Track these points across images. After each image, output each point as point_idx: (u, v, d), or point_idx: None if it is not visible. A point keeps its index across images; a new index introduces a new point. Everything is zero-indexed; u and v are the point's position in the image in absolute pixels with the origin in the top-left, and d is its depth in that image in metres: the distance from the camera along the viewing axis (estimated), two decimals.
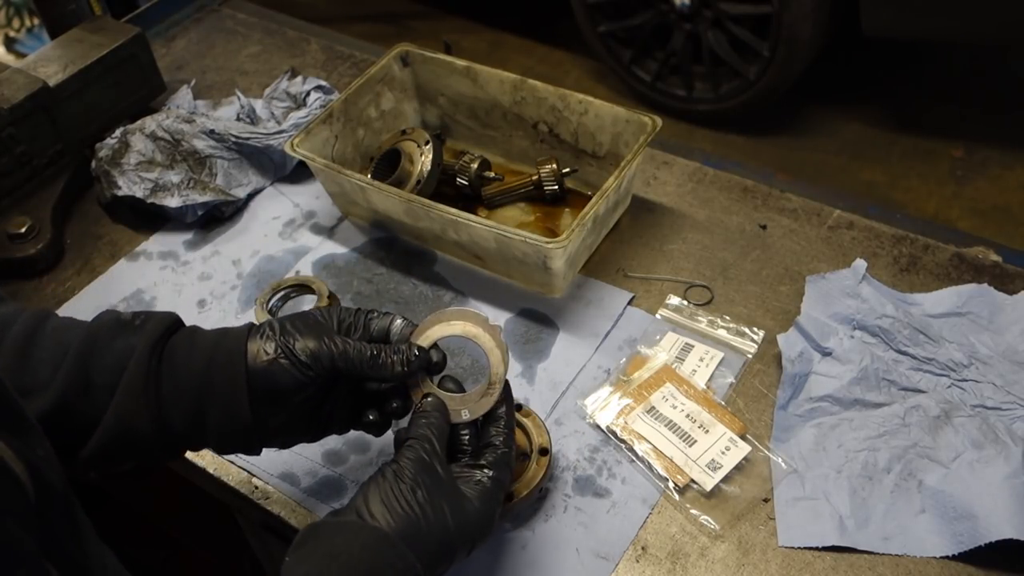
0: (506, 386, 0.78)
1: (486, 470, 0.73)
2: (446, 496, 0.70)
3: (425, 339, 0.78)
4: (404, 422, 0.78)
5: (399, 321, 0.79)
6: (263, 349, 0.73)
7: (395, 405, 0.79)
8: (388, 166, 1.17)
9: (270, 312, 1.08)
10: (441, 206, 1.02)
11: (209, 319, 1.09)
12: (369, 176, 1.16)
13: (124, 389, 0.69)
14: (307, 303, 1.09)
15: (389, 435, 0.95)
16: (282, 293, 1.09)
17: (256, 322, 1.06)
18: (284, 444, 0.79)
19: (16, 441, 0.51)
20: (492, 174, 1.20)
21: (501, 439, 0.76)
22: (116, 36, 1.30)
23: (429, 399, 0.77)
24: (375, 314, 0.79)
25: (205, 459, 0.95)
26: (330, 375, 0.74)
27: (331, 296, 1.08)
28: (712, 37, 2.74)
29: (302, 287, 1.10)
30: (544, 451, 0.87)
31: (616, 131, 1.12)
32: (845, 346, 0.96)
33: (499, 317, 1.06)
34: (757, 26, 2.65)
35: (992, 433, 0.88)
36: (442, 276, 1.12)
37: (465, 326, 0.79)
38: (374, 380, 0.78)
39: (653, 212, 1.17)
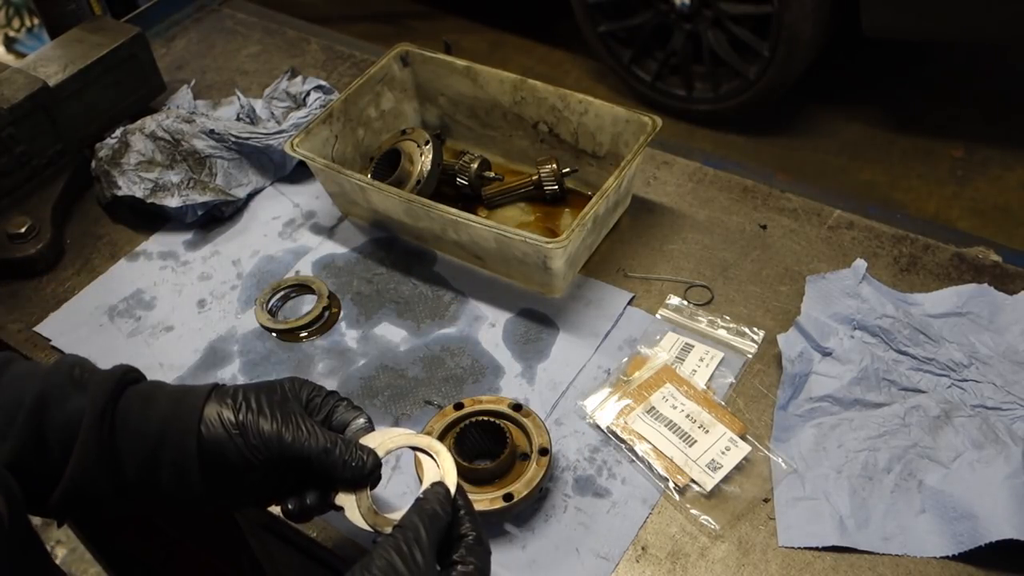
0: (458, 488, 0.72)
1: (461, 566, 0.66)
2: None
3: (378, 448, 0.75)
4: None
5: (361, 420, 0.76)
6: (220, 419, 0.71)
7: (308, 501, 0.74)
8: (388, 166, 1.17)
9: (270, 312, 1.08)
10: (441, 206, 1.02)
11: (209, 319, 1.09)
12: (369, 176, 1.16)
13: (78, 455, 0.69)
14: (307, 303, 1.09)
15: None
16: (282, 293, 1.09)
17: (257, 322, 1.07)
18: (233, 507, 0.79)
19: None
20: (492, 174, 1.20)
21: (468, 526, 0.69)
22: (116, 36, 1.30)
23: (434, 487, 0.70)
24: (342, 404, 0.77)
25: None
26: (280, 459, 0.72)
27: (331, 296, 1.09)
28: (712, 37, 2.74)
29: (302, 287, 1.10)
30: (544, 451, 0.87)
31: (616, 131, 1.12)
32: (845, 346, 0.96)
33: (499, 317, 1.06)
34: (757, 26, 2.66)
35: (992, 433, 0.88)
36: (442, 276, 1.12)
37: (412, 437, 0.77)
38: (321, 474, 0.73)
39: (653, 212, 1.17)
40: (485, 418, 0.88)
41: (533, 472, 0.85)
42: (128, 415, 0.71)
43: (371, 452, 0.73)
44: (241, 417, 0.71)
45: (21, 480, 0.65)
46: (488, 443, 0.88)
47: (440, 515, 0.68)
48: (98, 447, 0.69)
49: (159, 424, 0.71)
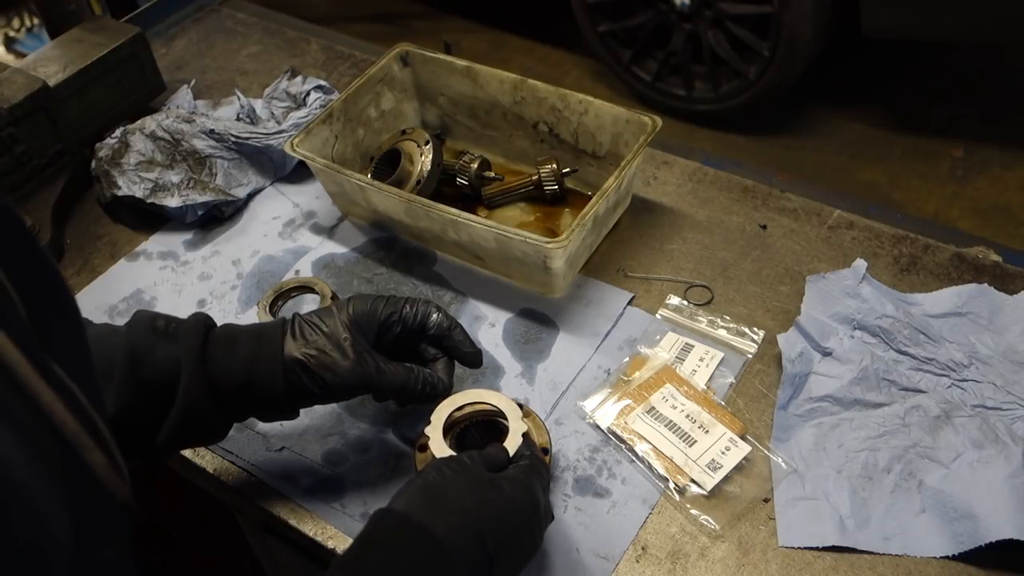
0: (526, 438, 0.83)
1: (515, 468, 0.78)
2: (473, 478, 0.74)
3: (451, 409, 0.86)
4: None
5: (435, 315, 0.86)
6: (298, 368, 0.80)
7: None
8: (388, 166, 1.17)
9: (272, 316, 1.07)
10: (441, 206, 1.02)
11: None
12: (369, 176, 1.16)
13: (185, 391, 0.76)
14: (309, 303, 1.09)
15: (391, 435, 0.95)
16: (284, 294, 1.09)
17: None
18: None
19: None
20: (492, 174, 1.20)
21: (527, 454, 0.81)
22: (116, 36, 1.30)
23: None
24: (412, 310, 0.86)
25: (205, 459, 0.95)
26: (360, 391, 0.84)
27: (334, 297, 1.08)
28: (712, 37, 2.74)
29: (304, 288, 1.10)
30: (544, 451, 0.87)
31: (616, 131, 1.12)
32: (845, 346, 0.96)
33: (499, 317, 1.06)
34: (757, 26, 2.65)
35: (992, 433, 0.88)
36: (442, 276, 1.12)
37: (492, 397, 0.87)
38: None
39: (653, 212, 1.17)
40: (485, 415, 0.88)
41: None
42: (216, 354, 0.78)
43: (440, 379, 0.86)
44: (317, 361, 0.80)
45: (123, 430, 0.71)
46: (488, 442, 0.88)
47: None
48: (201, 382, 0.76)
49: (245, 365, 0.79)
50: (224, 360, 0.78)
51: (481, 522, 0.70)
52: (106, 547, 0.46)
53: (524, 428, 0.83)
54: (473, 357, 0.88)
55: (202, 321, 0.80)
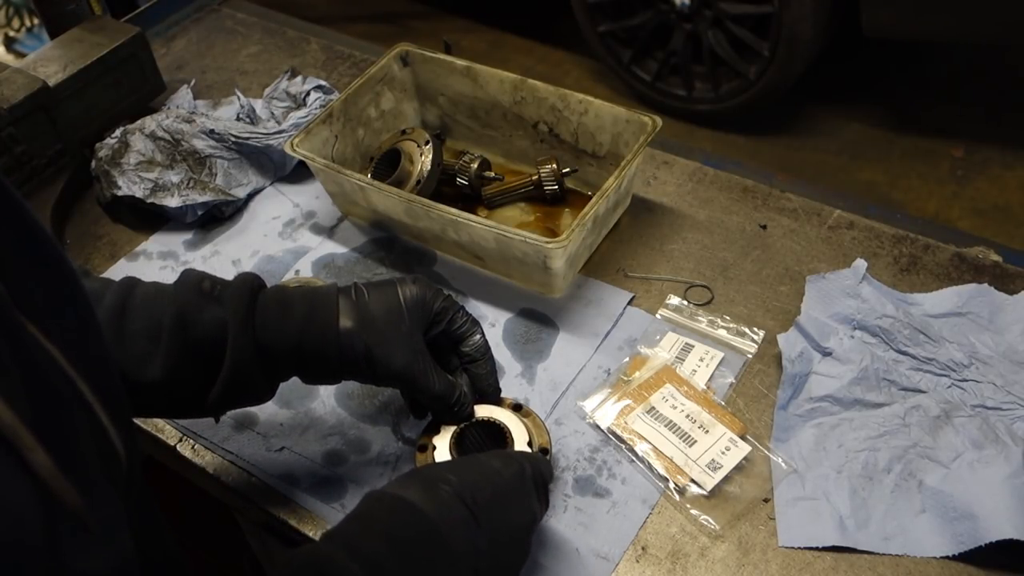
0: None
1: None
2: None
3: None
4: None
5: (477, 337, 0.85)
6: (353, 348, 0.79)
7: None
8: (388, 166, 1.17)
9: None
10: (441, 206, 1.02)
11: None
12: (369, 176, 1.16)
13: (232, 353, 0.76)
14: None
15: (391, 435, 0.95)
16: None
17: None
18: None
19: (121, 428, 0.52)
20: (492, 174, 1.20)
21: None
22: (116, 36, 1.30)
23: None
24: (461, 315, 0.85)
25: (205, 459, 0.95)
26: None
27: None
28: (712, 37, 2.74)
29: None
30: (544, 451, 0.87)
31: (616, 131, 1.12)
32: (845, 346, 0.96)
33: (499, 317, 1.06)
34: (757, 26, 2.65)
35: (992, 433, 0.88)
36: (442, 276, 1.12)
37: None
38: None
39: (653, 212, 1.17)
40: (485, 417, 0.88)
41: None
42: (267, 319, 0.78)
43: (471, 403, 0.86)
44: (374, 343, 0.79)
45: (174, 390, 0.76)
46: (488, 443, 0.88)
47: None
48: (249, 347, 0.77)
49: (298, 331, 0.78)
50: (276, 325, 0.78)
51: (462, 486, 0.69)
52: (57, 563, 0.40)
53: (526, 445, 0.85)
54: (493, 395, 0.88)
55: (249, 284, 0.79)
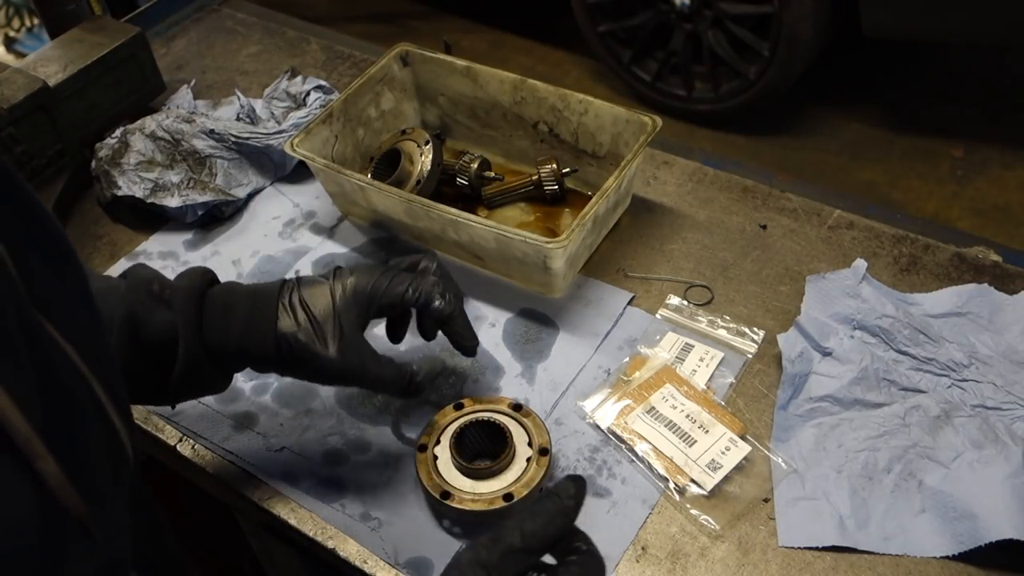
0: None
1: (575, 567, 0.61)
2: None
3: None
4: None
5: (437, 303, 0.84)
6: (292, 348, 0.80)
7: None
8: (388, 166, 1.17)
9: None
10: (441, 206, 1.02)
11: None
12: (369, 176, 1.16)
13: (183, 361, 0.78)
14: None
15: (391, 435, 0.95)
16: None
17: None
18: None
19: (127, 426, 0.52)
20: (492, 174, 1.20)
21: (581, 541, 0.62)
22: (116, 36, 1.30)
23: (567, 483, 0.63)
24: (413, 294, 0.83)
25: (205, 459, 0.95)
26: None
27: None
28: (712, 37, 2.74)
29: None
30: (544, 451, 0.87)
31: (616, 131, 1.12)
32: (845, 346, 0.96)
33: (499, 317, 1.06)
34: (757, 26, 2.65)
35: (992, 433, 0.88)
36: None
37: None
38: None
39: (653, 212, 1.17)
40: (485, 416, 0.88)
41: (533, 472, 0.85)
42: (213, 320, 0.80)
43: (417, 385, 0.85)
44: (303, 345, 0.80)
45: (131, 383, 0.73)
46: (488, 443, 0.88)
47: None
48: (199, 348, 0.79)
49: (239, 335, 0.80)
50: (219, 329, 0.80)
51: None
52: (56, 572, 0.41)
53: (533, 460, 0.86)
54: (468, 349, 0.89)
55: (196, 286, 0.80)
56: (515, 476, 0.85)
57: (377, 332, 1.06)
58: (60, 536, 0.41)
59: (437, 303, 0.84)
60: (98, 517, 0.43)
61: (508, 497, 0.83)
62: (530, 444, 0.87)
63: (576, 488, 0.62)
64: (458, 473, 0.85)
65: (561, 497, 0.62)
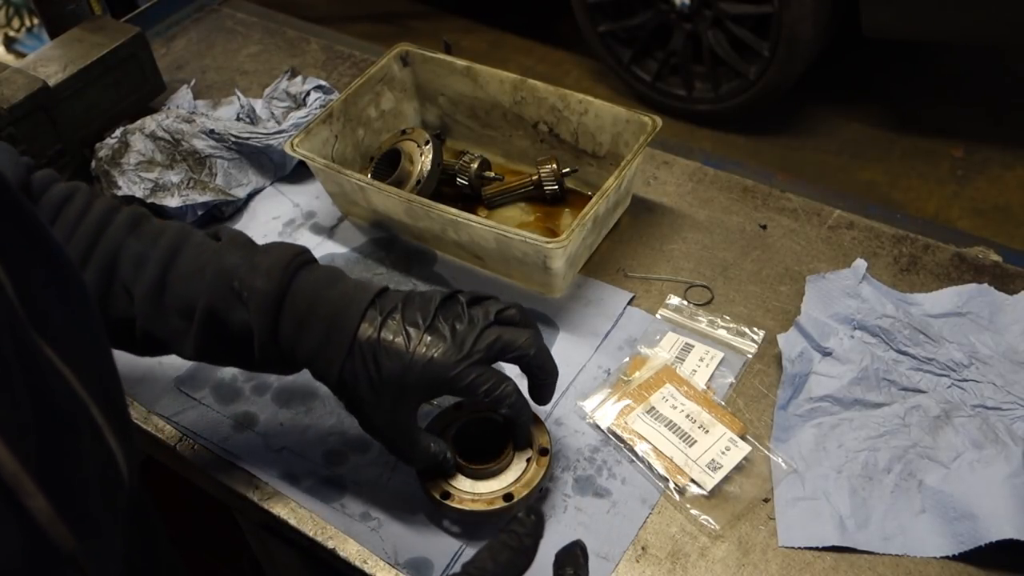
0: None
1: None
2: None
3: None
4: None
5: (509, 400, 0.79)
6: (353, 391, 0.77)
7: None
8: (388, 166, 1.17)
9: None
10: (441, 206, 1.02)
11: None
12: (369, 176, 1.16)
13: (260, 359, 0.78)
14: None
15: None
16: None
17: None
18: None
19: (125, 445, 0.52)
20: (492, 174, 1.20)
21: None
22: (116, 36, 1.30)
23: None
24: (485, 388, 0.77)
25: (205, 459, 0.95)
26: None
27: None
28: (712, 37, 2.74)
29: None
30: (544, 451, 0.87)
31: (616, 131, 1.12)
32: (845, 346, 0.96)
33: None
34: (757, 26, 2.66)
35: (992, 433, 0.88)
36: (442, 276, 1.12)
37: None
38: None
39: (653, 212, 1.17)
40: (485, 416, 0.88)
41: (533, 472, 0.85)
42: (286, 335, 0.77)
43: (445, 464, 0.83)
44: (361, 402, 0.77)
45: (213, 360, 0.80)
46: (488, 442, 0.88)
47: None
48: (274, 353, 0.77)
49: (308, 358, 0.77)
50: (294, 336, 0.76)
51: None
52: None
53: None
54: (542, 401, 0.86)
55: (273, 291, 0.75)
56: (515, 476, 0.85)
57: None
58: (48, 573, 0.40)
59: (506, 405, 0.79)
60: (89, 549, 0.43)
61: (508, 497, 0.83)
62: (530, 444, 0.87)
63: (534, 524, 0.68)
64: (458, 473, 0.85)
65: (519, 535, 0.65)
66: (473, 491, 0.84)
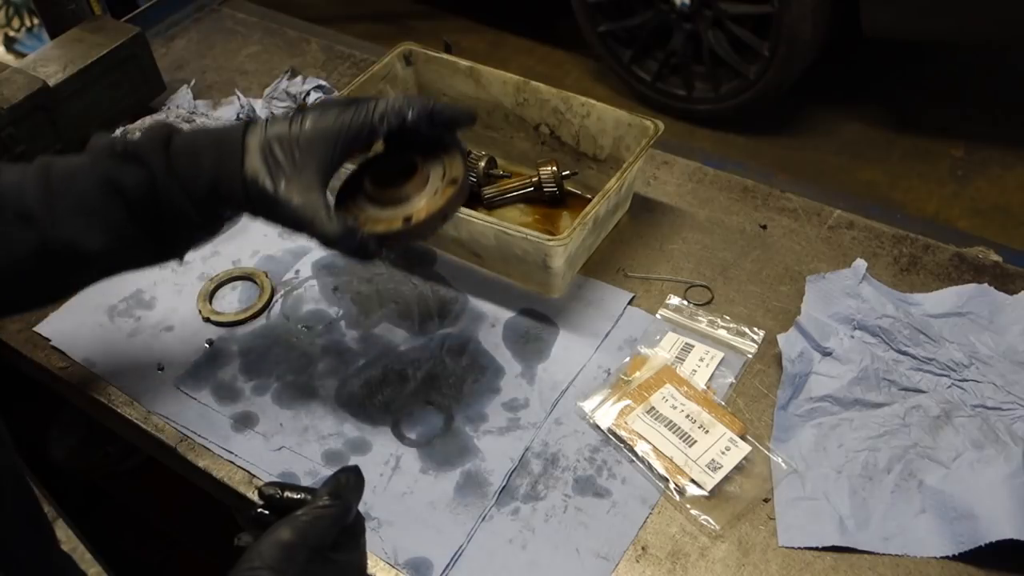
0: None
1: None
2: None
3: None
4: None
5: (410, 115, 0.81)
6: (257, 187, 0.80)
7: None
8: None
9: (211, 305, 1.09)
10: None
11: None
12: None
13: (165, 202, 0.80)
14: (248, 290, 1.11)
15: (391, 435, 0.95)
16: (226, 286, 1.11)
17: (200, 314, 1.07)
18: None
19: None
20: (500, 171, 1.20)
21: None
22: (116, 36, 1.30)
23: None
24: (383, 119, 0.81)
25: (205, 459, 0.95)
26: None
27: (274, 289, 1.10)
28: (712, 37, 2.74)
29: (245, 279, 1.11)
30: (453, 181, 0.86)
31: (618, 135, 1.12)
32: (845, 346, 0.96)
33: (499, 317, 1.06)
34: (757, 26, 2.65)
35: (992, 433, 0.88)
36: (442, 276, 1.12)
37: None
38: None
39: (653, 212, 1.17)
40: (400, 155, 0.88)
41: (437, 198, 0.85)
42: (182, 168, 0.79)
43: (366, 248, 0.82)
44: (264, 190, 0.79)
45: (118, 251, 0.81)
46: (404, 178, 0.87)
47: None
48: (176, 189, 0.79)
49: (209, 181, 0.80)
50: (190, 173, 0.79)
51: None
52: None
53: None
54: (468, 117, 0.87)
55: (160, 136, 0.80)
56: (423, 204, 0.85)
57: (382, 331, 1.06)
58: None
59: (410, 116, 0.82)
60: None
61: (407, 219, 0.84)
62: (443, 176, 0.87)
63: (336, 486, 0.69)
64: (367, 204, 0.86)
65: (331, 505, 0.68)
66: (378, 216, 0.85)
